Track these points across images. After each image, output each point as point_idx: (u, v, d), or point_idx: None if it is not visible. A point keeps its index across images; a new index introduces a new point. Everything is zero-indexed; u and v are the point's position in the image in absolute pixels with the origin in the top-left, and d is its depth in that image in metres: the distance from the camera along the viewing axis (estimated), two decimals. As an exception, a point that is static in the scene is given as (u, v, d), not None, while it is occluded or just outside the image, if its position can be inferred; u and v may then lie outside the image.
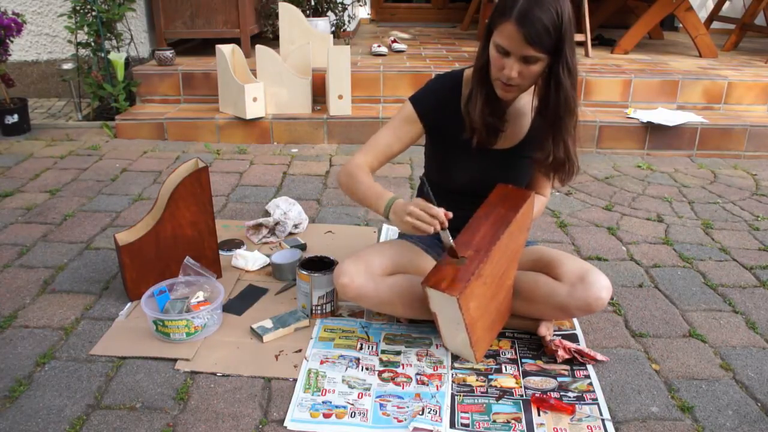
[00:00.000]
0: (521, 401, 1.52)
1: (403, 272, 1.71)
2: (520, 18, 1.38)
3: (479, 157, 1.66)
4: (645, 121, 3.41)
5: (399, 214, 1.49)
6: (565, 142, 1.58)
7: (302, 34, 3.77)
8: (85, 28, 3.64)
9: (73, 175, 2.97)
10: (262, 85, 3.43)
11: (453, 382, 1.58)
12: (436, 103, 1.67)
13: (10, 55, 3.50)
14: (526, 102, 1.66)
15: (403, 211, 1.47)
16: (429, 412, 1.46)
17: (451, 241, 1.51)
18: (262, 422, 1.44)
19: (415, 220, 1.44)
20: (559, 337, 1.73)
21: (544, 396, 1.53)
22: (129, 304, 1.88)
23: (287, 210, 2.40)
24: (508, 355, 1.70)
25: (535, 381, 1.60)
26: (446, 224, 1.46)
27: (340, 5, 4.48)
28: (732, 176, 3.18)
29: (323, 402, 1.50)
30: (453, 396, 1.53)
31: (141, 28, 4.19)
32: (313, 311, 1.82)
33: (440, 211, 1.45)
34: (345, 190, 1.68)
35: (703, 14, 5.60)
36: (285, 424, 1.43)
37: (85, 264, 2.13)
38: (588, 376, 1.62)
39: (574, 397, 1.54)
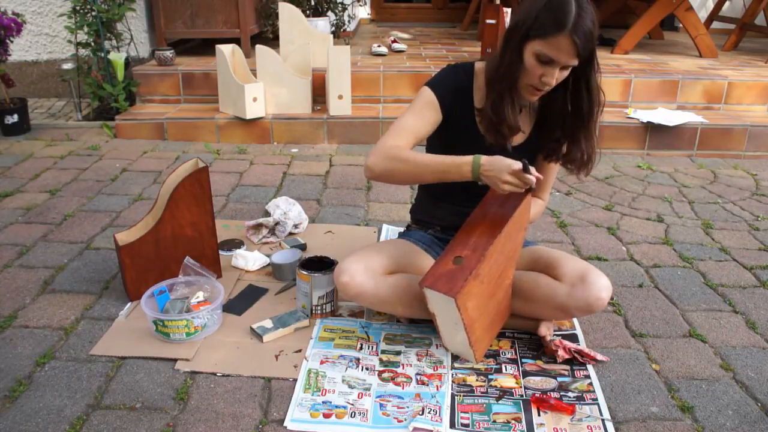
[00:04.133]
0: (521, 401, 1.52)
1: (403, 271, 1.70)
2: (575, 31, 1.39)
3: (486, 153, 1.66)
4: (645, 121, 3.41)
5: (494, 180, 1.47)
6: (593, 139, 1.63)
7: (302, 34, 3.78)
8: (85, 28, 3.64)
9: (73, 175, 2.97)
10: (262, 85, 3.43)
11: (453, 382, 1.58)
12: (451, 91, 1.66)
13: (10, 55, 3.50)
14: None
15: (500, 180, 1.46)
16: (429, 412, 1.46)
17: (534, 174, 1.52)
18: (262, 422, 1.44)
19: (512, 188, 1.47)
20: (559, 337, 1.73)
21: (544, 396, 1.53)
22: (129, 304, 1.88)
23: (287, 210, 2.40)
24: (508, 355, 1.70)
25: (535, 381, 1.60)
26: (536, 182, 1.49)
27: (340, 5, 4.48)
28: (732, 176, 3.18)
29: (323, 402, 1.50)
30: (453, 396, 1.53)
31: (141, 28, 4.19)
32: (313, 311, 1.82)
33: (532, 178, 1.45)
34: (389, 174, 1.58)
35: (703, 14, 5.60)
36: (285, 424, 1.43)
37: (85, 264, 2.13)
38: (588, 376, 1.62)
39: (574, 397, 1.54)
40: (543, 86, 1.50)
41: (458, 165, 1.51)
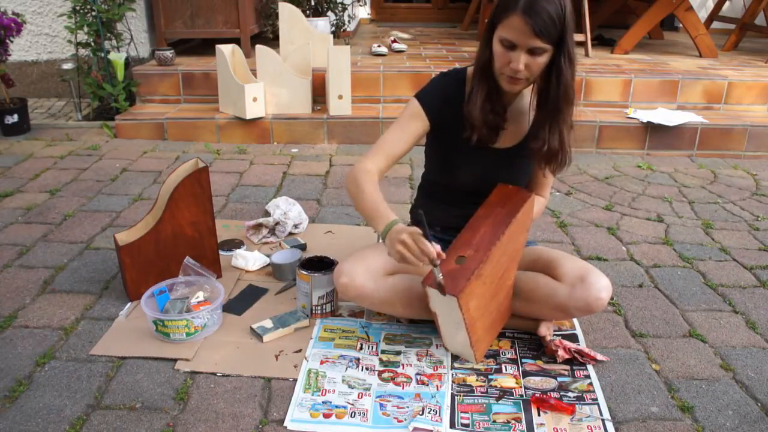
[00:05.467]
0: (521, 401, 1.52)
1: (403, 272, 1.70)
2: (526, 9, 1.39)
3: (481, 155, 1.67)
4: (645, 121, 3.41)
5: (392, 239, 1.43)
6: (560, 132, 1.59)
7: (302, 34, 3.77)
8: (85, 28, 3.64)
9: (73, 175, 2.97)
10: (262, 85, 3.43)
11: (453, 382, 1.58)
12: (440, 100, 1.66)
13: (10, 55, 3.50)
14: (527, 101, 1.67)
15: (396, 239, 1.42)
16: (429, 412, 1.46)
17: (441, 278, 1.43)
18: (262, 422, 1.44)
19: (405, 250, 1.40)
20: (559, 337, 1.73)
21: (544, 396, 1.53)
22: (129, 304, 1.88)
23: (287, 210, 2.40)
24: (508, 355, 1.70)
25: (535, 381, 1.60)
26: (437, 263, 1.41)
27: (340, 5, 4.48)
28: (732, 176, 3.18)
29: (323, 402, 1.50)
30: (453, 396, 1.53)
31: (141, 28, 4.19)
32: (313, 311, 1.82)
33: (432, 251, 1.40)
34: (349, 195, 1.65)
35: (703, 14, 5.60)
36: (285, 424, 1.43)
37: (85, 264, 2.13)
38: (588, 376, 1.62)
39: (574, 397, 1.54)
40: (515, 73, 1.48)
41: (377, 218, 1.52)
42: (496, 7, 1.48)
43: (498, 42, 1.48)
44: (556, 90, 1.52)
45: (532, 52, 1.45)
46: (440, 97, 1.67)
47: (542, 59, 1.47)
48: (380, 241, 2.32)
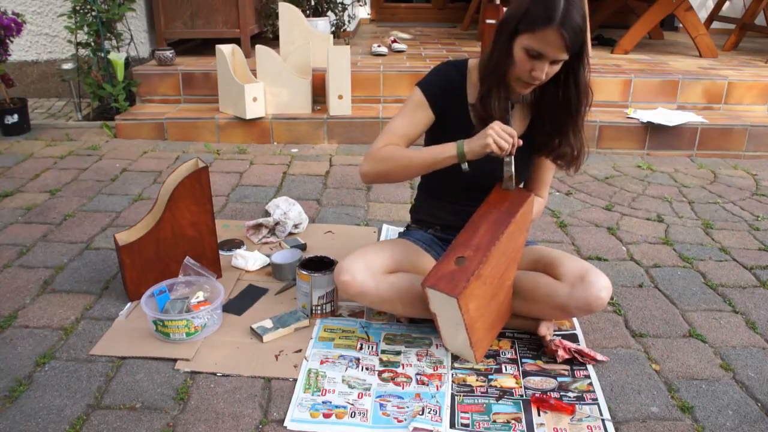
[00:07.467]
0: (521, 401, 1.52)
1: (403, 271, 1.70)
2: (563, 24, 1.39)
3: None
4: (645, 121, 3.41)
5: (478, 137, 1.49)
6: (581, 134, 1.64)
7: (302, 34, 3.78)
8: (85, 28, 3.64)
9: (73, 175, 2.97)
10: (262, 85, 3.43)
11: (453, 382, 1.58)
12: (442, 89, 1.67)
13: (10, 55, 3.50)
14: (525, 96, 1.67)
15: (483, 132, 1.48)
16: (429, 412, 1.46)
17: (513, 169, 1.53)
18: (262, 422, 1.44)
19: (495, 134, 1.46)
20: (559, 337, 1.73)
21: (544, 396, 1.53)
22: (129, 304, 1.88)
23: (287, 210, 2.40)
24: (508, 355, 1.70)
25: (535, 381, 1.60)
26: (514, 151, 1.50)
27: (340, 5, 4.48)
28: (732, 176, 3.18)
29: (323, 402, 1.50)
30: (453, 396, 1.53)
31: (141, 28, 4.19)
32: (313, 311, 1.82)
33: (516, 134, 1.48)
34: (382, 175, 1.64)
35: (703, 14, 5.60)
36: (285, 424, 1.43)
37: (85, 264, 2.13)
38: (588, 376, 1.62)
39: (574, 397, 1.54)
40: (533, 80, 1.50)
41: (438, 151, 1.55)
42: (523, 14, 1.45)
43: (522, 50, 1.47)
44: (576, 97, 1.56)
45: (555, 62, 1.46)
46: (442, 87, 1.67)
47: (558, 67, 1.49)
48: (380, 239, 2.32)
